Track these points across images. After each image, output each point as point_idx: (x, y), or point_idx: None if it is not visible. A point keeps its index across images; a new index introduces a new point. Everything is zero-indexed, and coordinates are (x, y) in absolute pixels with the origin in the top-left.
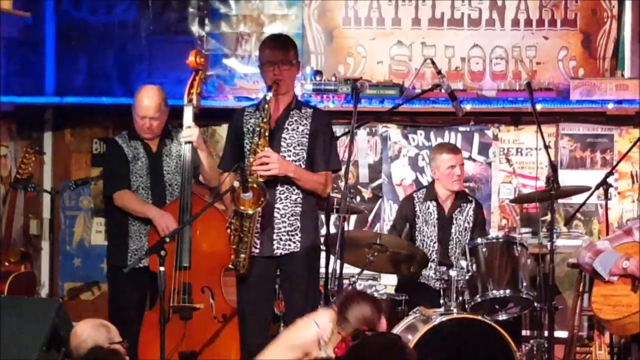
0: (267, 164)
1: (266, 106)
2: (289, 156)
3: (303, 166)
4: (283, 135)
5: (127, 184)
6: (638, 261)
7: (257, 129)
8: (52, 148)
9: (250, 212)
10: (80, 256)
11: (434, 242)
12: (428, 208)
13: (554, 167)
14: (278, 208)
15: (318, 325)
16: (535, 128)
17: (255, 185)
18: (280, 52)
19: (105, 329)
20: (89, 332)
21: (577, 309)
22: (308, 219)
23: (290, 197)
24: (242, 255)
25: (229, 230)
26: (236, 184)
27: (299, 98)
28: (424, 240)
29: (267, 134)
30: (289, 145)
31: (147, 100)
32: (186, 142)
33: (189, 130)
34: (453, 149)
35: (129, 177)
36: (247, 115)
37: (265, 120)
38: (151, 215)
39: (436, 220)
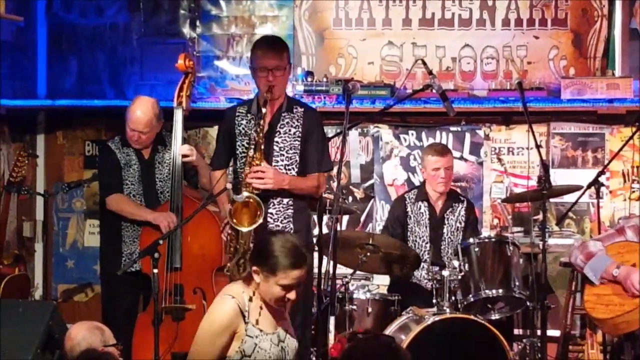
0: (262, 178)
1: (261, 121)
2: (282, 160)
3: (296, 169)
4: (275, 139)
5: (120, 188)
6: (626, 270)
7: (252, 142)
8: (45, 150)
9: (245, 230)
10: (73, 258)
11: (426, 243)
12: (420, 208)
13: (545, 166)
14: (271, 213)
15: (234, 297)
16: (527, 127)
17: (251, 201)
18: (274, 57)
19: (99, 332)
20: (84, 334)
21: (569, 308)
22: (300, 220)
23: (282, 200)
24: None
25: (224, 237)
26: (238, 198)
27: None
28: (416, 241)
29: (262, 147)
30: (282, 149)
31: (140, 113)
32: (183, 156)
33: (189, 152)
34: (440, 151)
35: (122, 183)
36: (239, 116)
37: (260, 134)
38: (149, 218)
39: (428, 220)
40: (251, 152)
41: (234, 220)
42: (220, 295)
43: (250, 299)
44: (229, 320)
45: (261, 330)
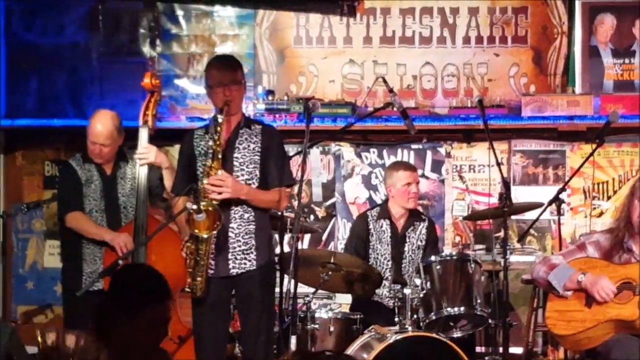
0: (220, 187)
1: (218, 128)
2: (242, 175)
3: (256, 184)
4: (235, 155)
5: (80, 206)
6: (592, 277)
7: (210, 151)
8: (4, 171)
9: (206, 235)
10: (33, 279)
11: (388, 260)
12: (381, 226)
13: (506, 183)
14: (232, 227)
15: None
16: (488, 145)
17: (210, 209)
18: (229, 72)
19: None
20: None
21: (531, 325)
22: (262, 236)
23: (244, 215)
24: (199, 279)
25: (184, 254)
26: (189, 205)
27: (252, 117)
28: (377, 259)
29: (219, 156)
30: (242, 164)
31: (100, 126)
32: (141, 165)
33: (144, 152)
34: (409, 167)
35: (82, 200)
36: (197, 138)
37: (217, 142)
38: (107, 238)
39: (389, 238)
40: (208, 162)
41: (193, 229)
42: None
43: None
44: None
45: None
